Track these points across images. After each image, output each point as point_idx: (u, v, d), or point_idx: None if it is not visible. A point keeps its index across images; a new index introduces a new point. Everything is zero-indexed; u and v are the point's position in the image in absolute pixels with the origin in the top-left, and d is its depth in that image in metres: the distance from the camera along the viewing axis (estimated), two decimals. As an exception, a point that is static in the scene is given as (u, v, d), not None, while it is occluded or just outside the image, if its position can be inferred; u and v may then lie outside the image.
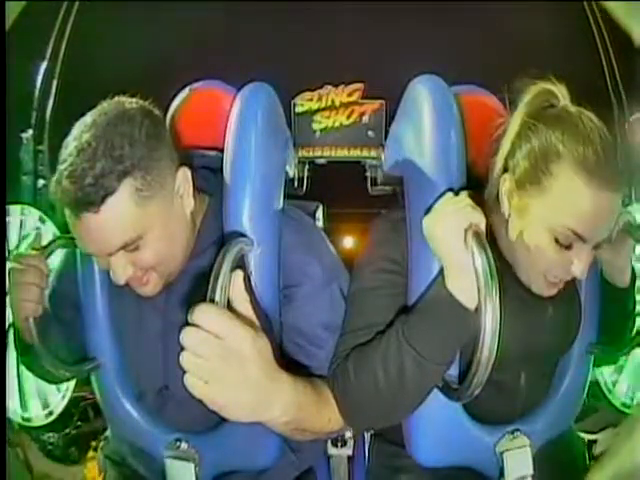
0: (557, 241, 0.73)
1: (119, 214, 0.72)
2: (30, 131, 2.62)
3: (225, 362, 0.56)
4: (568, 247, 0.73)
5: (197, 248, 0.85)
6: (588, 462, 1.00)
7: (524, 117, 0.77)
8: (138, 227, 0.74)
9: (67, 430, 2.12)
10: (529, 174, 0.74)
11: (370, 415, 0.80)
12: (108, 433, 1.01)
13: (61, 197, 0.71)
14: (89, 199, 0.70)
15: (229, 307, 0.61)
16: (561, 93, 0.77)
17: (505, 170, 0.78)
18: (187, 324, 0.57)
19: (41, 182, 2.59)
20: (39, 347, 0.82)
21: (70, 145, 0.71)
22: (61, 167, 0.71)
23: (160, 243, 0.77)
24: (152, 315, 0.86)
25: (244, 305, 0.62)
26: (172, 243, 0.79)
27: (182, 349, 0.56)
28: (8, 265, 0.82)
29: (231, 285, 0.61)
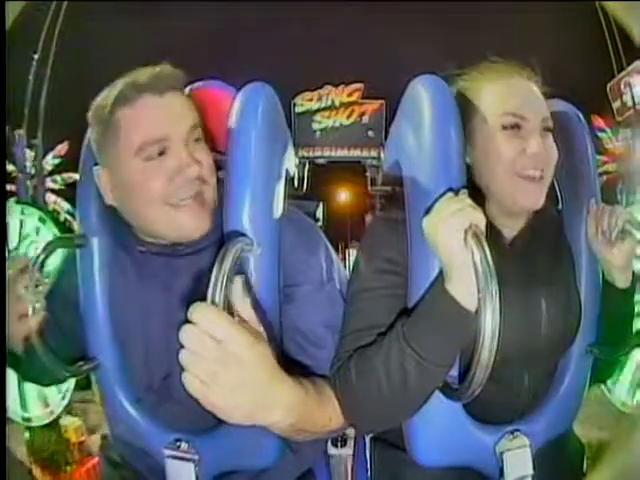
0: (505, 128, 0.82)
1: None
2: (24, 128, 2.63)
3: (222, 366, 0.56)
4: (515, 128, 0.82)
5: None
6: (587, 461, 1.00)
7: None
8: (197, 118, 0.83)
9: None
10: (462, 117, 0.82)
11: (373, 417, 0.80)
12: (108, 434, 1.01)
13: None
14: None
15: (229, 308, 0.61)
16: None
17: None
18: (187, 322, 0.57)
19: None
20: (39, 348, 0.82)
21: None
22: None
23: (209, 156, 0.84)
24: (153, 315, 0.86)
25: (244, 309, 0.63)
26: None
27: (181, 347, 0.56)
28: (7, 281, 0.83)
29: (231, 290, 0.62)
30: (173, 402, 0.86)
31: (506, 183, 0.82)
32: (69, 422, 2.57)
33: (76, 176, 0.93)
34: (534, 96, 0.84)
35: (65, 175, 11.68)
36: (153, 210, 0.81)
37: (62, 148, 11.59)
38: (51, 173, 11.81)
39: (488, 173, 0.84)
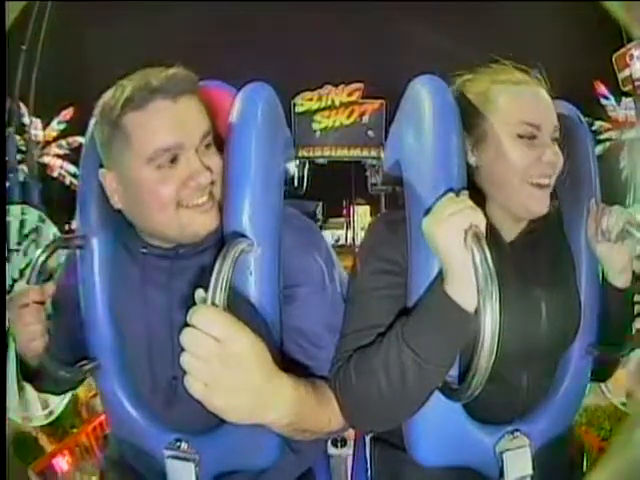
0: (521, 137, 0.82)
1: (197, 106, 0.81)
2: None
3: (223, 366, 0.56)
4: (531, 138, 0.82)
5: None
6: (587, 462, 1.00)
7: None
8: (209, 124, 0.81)
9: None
10: (472, 119, 0.84)
11: (373, 417, 0.80)
12: (108, 434, 1.01)
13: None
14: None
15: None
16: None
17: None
18: (187, 325, 0.57)
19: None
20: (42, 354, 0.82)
21: None
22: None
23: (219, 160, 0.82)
24: (154, 317, 0.86)
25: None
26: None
27: (182, 350, 0.56)
28: (8, 299, 0.83)
29: None
30: (179, 404, 0.86)
31: (518, 190, 0.83)
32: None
33: (81, 139, 0.92)
34: (547, 105, 0.84)
35: (70, 139, 11.66)
36: (163, 215, 0.79)
37: (67, 113, 11.56)
38: (56, 139, 11.85)
39: (498, 179, 0.84)
